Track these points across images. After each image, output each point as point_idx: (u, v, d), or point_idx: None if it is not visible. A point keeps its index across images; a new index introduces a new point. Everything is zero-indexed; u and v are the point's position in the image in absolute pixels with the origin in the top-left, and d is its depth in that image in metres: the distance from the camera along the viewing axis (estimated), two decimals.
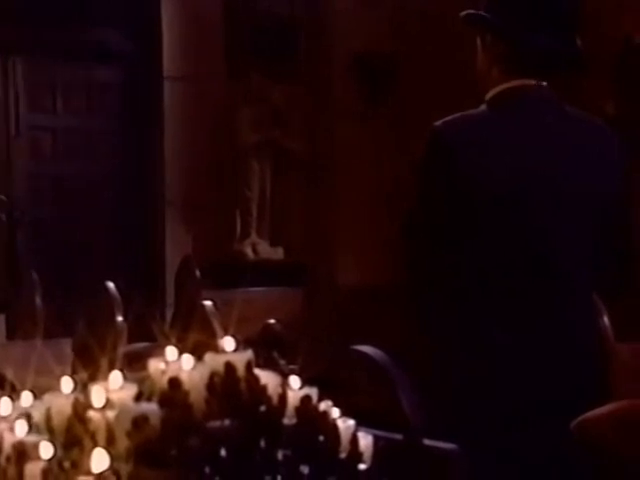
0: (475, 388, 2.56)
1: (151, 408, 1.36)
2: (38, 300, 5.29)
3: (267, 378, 1.47)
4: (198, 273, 6.15)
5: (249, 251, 7.68)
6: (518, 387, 2.56)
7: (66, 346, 3.53)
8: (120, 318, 3.92)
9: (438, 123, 2.64)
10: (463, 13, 2.73)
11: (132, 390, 1.42)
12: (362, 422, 1.57)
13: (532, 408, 2.56)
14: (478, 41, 2.73)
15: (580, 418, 2.50)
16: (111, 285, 4.15)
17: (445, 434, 2.25)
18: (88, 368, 1.53)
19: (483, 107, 2.69)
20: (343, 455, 1.50)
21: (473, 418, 2.56)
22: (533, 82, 2.65)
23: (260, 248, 7.72)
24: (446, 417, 2.53)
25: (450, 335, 2.62)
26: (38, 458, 1.33)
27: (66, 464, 1.36)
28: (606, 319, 3.11)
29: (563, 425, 2.48)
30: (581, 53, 2.69)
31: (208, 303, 3.81)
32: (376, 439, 1.57)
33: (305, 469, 1.44)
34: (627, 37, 6.04)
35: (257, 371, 1.46)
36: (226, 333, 1.51)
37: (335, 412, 1.54)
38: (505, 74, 2.66)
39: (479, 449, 2.45)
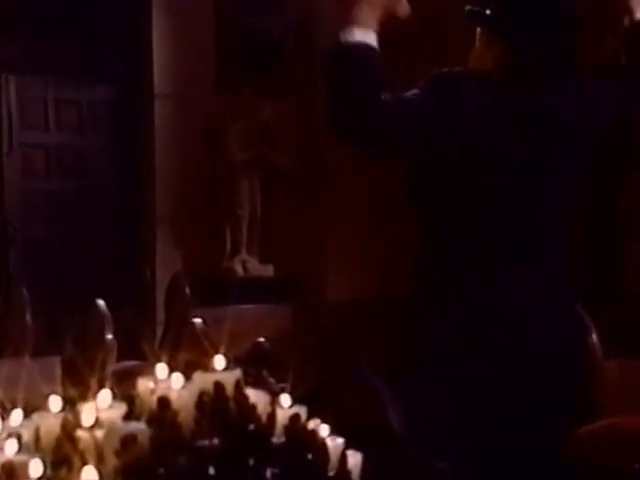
0: (474, 388, 2.55)
1: (140, 427, 1.36)
2: (28, 317, 5.28)
3: (256, 397, 1.47)
4: (188, 290, 6.14)
5: (239, 268, 7.68)
6: (517, 388, 2.56)
7: (56, 364, 3.52)
8: (110, 336, 3.92)
9: (456, 74, 2.63)
10: (467, 8, 2.69)
11: (121, 409, 1.42)
12: (351, 437, 1.57)
13: (531, 409, 2.56)
14: (478, 36, 2.70)
15: (573, 434, 2.50)
16: (101, 302, 4.15)
17: (443, 435, 2.26)
18: (77, 387, 1.53)
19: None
20: (332, 473, 1.50)
21: (473, 418, 2.55)
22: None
23: (250, 265, 7.72)
24: (445, 417, 2.53)
25: (449, 333, 2.60)
26: (27, 477, 1.33)
27: None
28: (594, 336, 3.12)
29: (560, 427, 2.48)
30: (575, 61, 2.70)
31: (198, 321, 3.81)
32: (365, 456, 1.57)
33: None
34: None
35: (246, 390, 1.46)
36: (216, 351, 1.52)
37: (324, 430, 1.54)
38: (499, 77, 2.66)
39: (478, 450, 2.46)
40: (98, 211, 7.91)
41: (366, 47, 2.49)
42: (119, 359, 3.69)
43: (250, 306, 6.72)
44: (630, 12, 2.75)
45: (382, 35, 2.56)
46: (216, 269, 7.63)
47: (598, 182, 6.17)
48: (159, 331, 6.27)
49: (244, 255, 7.73)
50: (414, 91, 2.57)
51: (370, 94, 2.47)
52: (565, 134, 2.65)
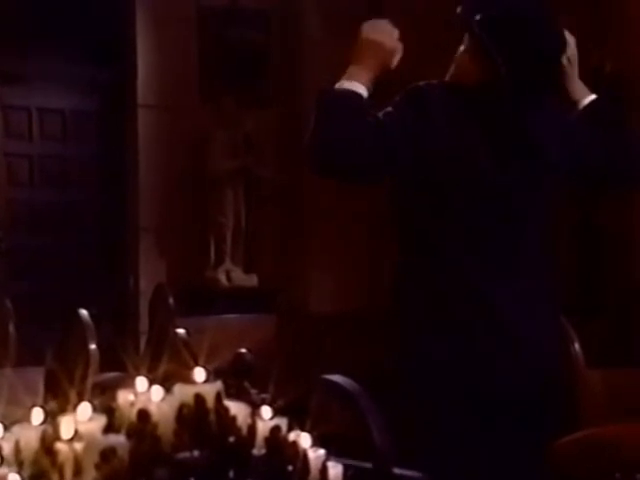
0: (459, 393, 2.56)
1: (119, 440, 1.36)
2: (12, 328, 5.26)
3: (237, 409, 1.47)
4: (171, 301, 6.13)
5: (223, 278, 7.67)
6: (505, 392, 2.56)
7: (38, 375, 3.51)
8: (93, 346, 3.90)
9: (427, 88, 2.64)
10: (458, 10, 2.67)
11: (101, 421, 1.42)
12: (333, 450, 1.57)
13: (518, 413, 2.56)
14: (466, 45, 2.69)
15: (555, 444, 2.51)
16: (84, 312, 4.13)
17: (426, 441, 2.26)
18: (59, 398, 1.52)
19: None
20: None
21: (456, 423, 2.55)
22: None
23: (234, 275, 7.72)
24: (428, 424, 2.54)
25: (433, 343, 2.60)
26: None
27: None
28: (577, 345, 3.13)
29: (546, 433, 2.49)
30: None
31: (181, 331, 3.80)
32: (346, 468, 1.57)
33: None
34: (597, 67, 6.07)
35: (227, 402, 1.46)
36: (197, 363, 1.51)
37: (305, 441, 1.54)
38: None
39: (461, 454, 2.47)
40: (82, 221, 7.90)
41: (350, 92, 2.60)
42: (101, 370, 3.68)
43: (234, 316, 6.71)
44: (576, 102, 2.78)
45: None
46: (200, 279, 7.63)
47: (582, 199, 6.20)
48: (143, 342, 6.25)
49: (228, 265, 7.73)
50: (389, 109, 2.60)
51: (353, 127, 2.56)
52: (536, 151, 2.66)
